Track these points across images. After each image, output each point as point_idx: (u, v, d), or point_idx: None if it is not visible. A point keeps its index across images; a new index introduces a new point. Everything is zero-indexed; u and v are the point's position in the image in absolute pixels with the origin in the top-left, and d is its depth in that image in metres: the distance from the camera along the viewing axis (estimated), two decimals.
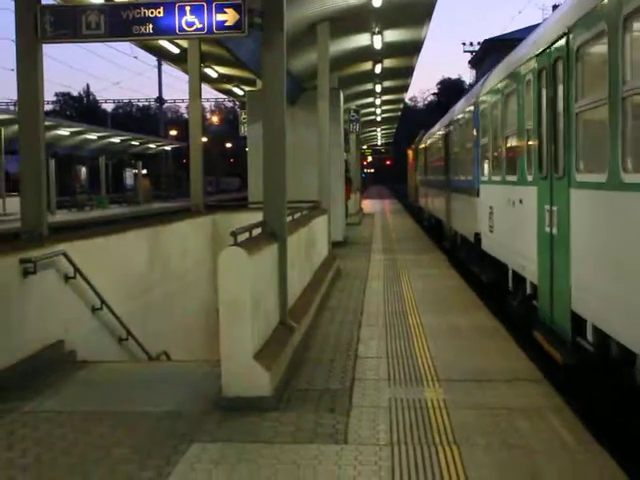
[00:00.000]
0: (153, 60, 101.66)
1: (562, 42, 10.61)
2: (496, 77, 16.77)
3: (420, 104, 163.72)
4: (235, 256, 8.40)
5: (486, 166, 18.30)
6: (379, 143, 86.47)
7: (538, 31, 12.98)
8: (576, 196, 9.95)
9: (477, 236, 19.14)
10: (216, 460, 6.82)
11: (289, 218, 12.09)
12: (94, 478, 6.43)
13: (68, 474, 6.52)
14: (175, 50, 22.66)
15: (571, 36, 10.16)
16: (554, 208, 10.98)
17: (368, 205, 65.11)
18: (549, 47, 11.36)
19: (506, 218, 15.23)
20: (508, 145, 15.30)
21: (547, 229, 11.35)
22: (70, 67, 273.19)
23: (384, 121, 59.80)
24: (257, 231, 10.00)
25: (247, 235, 9.50)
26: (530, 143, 12.83)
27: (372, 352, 11.10)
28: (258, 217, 10.71)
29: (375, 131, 71.90)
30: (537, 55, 12.09)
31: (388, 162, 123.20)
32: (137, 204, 61.47)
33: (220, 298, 8.44)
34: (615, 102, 8.35)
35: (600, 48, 8.98)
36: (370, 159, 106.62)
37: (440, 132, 32.64)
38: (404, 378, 9.58)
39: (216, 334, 9.03)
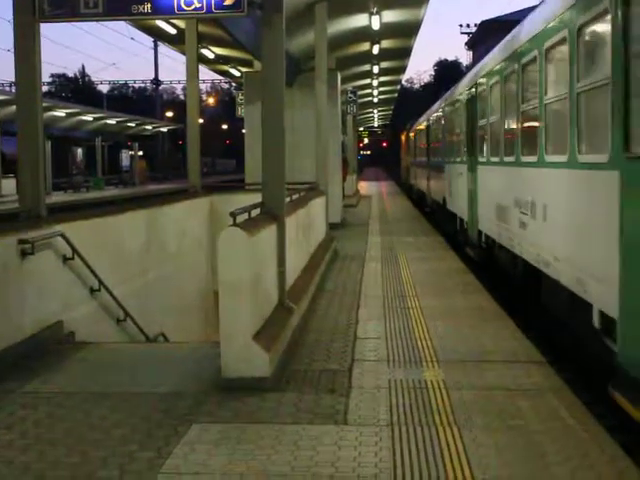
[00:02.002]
0: (149, 41, 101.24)
1: (469, 91, 20.72)
2: (453, 94, 25.74)
3: (417, 85, 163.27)
4: (235, 237, 8.38)
5: (446, 152, 26.99)
6: (376, 125, 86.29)
7: (471, 72, 22.11)
8: (479, 168, 18.78)
9: (444, 200, 27.39)
10: (216, 441, 6.82)
11: (287, 199, 12.07)
12: (94, 459, 6.42)
13: (68, 455, 6.51)
14: (172, 31, 22.55)
15: (472, 90, 20.04)
16: (472, 176, 19.72)
17: (365, 187, 65.07)
18: (470, 88, 20.49)
19: (456, 185, 23.52)
20: (457, 139, 23.60)
21: (470, 188, 19.92)
22: (66, 48, 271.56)
23: (381, 102, 59.70)
24: (256, 212, 9.99)
25: (246, 216, 9.49)
26: (464, 139, 21.45)
27: (371, 333, 11.09)
28: (255, 198, 10.70)
29: (372, 113, 71.73)
30: (467, 89, 21.05)
31: (384, 144, 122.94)
32: (133, 185, 61.41)
33: (220, 279, 8.43)
34: (486, 125, 17.48)
35: (486, 95, 17.75)
36: (366, 141, 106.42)
37: (424, 123, 40.62)
38: (403, 359, 9.59)
39: (213, 315, 9.03)
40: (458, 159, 22.81)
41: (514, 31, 14.71)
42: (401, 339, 10.66)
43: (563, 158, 10.29)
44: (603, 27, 8.79)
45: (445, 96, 29.78)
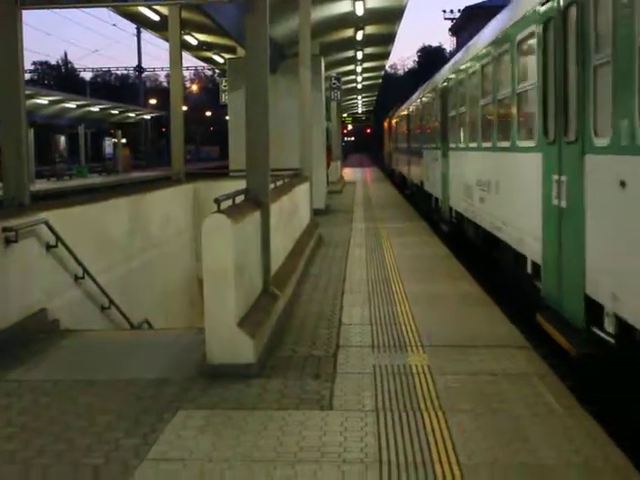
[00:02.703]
0: (132, 28, 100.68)
1: (442, 85, 23.50)
2: (429, 86, 29.06)
3: (400, 72, 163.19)
4: (219, 223, 8.37)
5: (424, 139, 29.88)
6: (360, 111, 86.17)
7: (437, 74, 26.35)
8: (450, 154, 21.39)
9: (422, 182, 30.64)
10: (202, 427, 6.82)
11: (271, 186, 12.04)
12: (80, 446, 6.42)
13: (54, 443, 6.51)
14: (155, 17, 22.48)
15: (444, 84, 22.79)
16: (445, 160, 22.43)
17: (349, 174, 65.08)
18: (442, 82, 23.36)
19: (432, 169, 26.47)
20: (433, 127, 26.51)
21: (443, 170, 22.78)
22: (48, 35, 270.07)
23: (365, 89, 59.62)
24: (240, 198, 9.96)
25: (230, 203, 9.46)
26: (438, 128, 24.14)
27: (356, 319, 11.11)
28: (239, 185, 10.67)
29: (356, 99, 71.62)
30: (440, 83, 23.91)
31: (369, 130, 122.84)
32: (116, 173, 61.21)
33: (204, 266, 8.41)
34: (456, 116, 20.16)
35: (455, 89, 20.56)
36: (351, 127, 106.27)
37: (404, 112, 44.30)
38: (388, 345, 9.60)
39: (197, 302, 9.02)
40: (433, 145, 25.83)
41: (475, 38, 18.04)
42: (386, 325, 10.68)
43: (508, 144, 13.07)
44: (532, 44, 11.27)
45: (423, 87, 32.97)
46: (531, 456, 6.08)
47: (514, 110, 12.67)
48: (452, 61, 22.41)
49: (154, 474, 5.91)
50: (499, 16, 14.60)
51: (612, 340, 8.03)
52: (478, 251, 17.49)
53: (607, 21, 8.12)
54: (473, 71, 17.09)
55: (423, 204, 30.25)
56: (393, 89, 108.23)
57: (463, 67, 18.80)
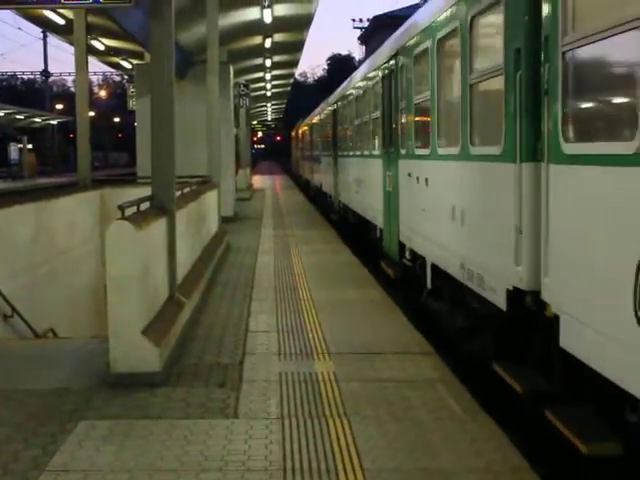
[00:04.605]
0: (39, 31, 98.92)
1: (333, 105, 28.90)
2: (326, 104, 33.38)
3: (310, 79, 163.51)
4: (123, 230, 8.27)
5: (322, 148, 35.23)
6: (269, 118, 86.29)
7: (332, 95, 31.15)
8: (339, 160, 26.63)
9: (321, 184, 36.27)
10: (104, 437, 6.72)
11: (178, 193, 11.95)
12: None
13: None
14: (60, 21, 22.16)
15: (334, 105, 28.36)
16: (336, 167, 27.48)
17: (258, 181, 65.02)
18: (335, 102, 28.09)
19: (328, 172, 31.41)
20: (327, 138, 31.66)
21: (334, 173, 28.08)
22: None
23: (274, 96, 59.77)
24: (146, 205, 9.87)
25: (135, 209, 9.36)
26: (331, 139, 29.32)
27: (262, 326, 11.09)
28: (146, 192, 10.57)
29: (265, 106, 71.76)
30: (333, 103, 28.93)
31: (278, 138, 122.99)
32: (22, 179, 60.14)
33: (108, 273, 8.31)
34: (342, 130, 26.09)
35: (343, 109, 25.54)
36: (260, 134, 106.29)
37: (308, 123, 48.85)
38: (295, 352, 9.61)
39: (103, 310, 8.90)
40: (328, 153, 31.23)
41: (353, 74, 24.18)
42: (293, 332, 10.68)
43: (368, 152, 18.65)
44: (379, 88, 16.60)
45: (321, 105, 38.15)
46: (433, 461, 6.14)
47: (371, 129, 18.33)
48: (340, 88, 28.10)
49: None
50: (366, 63, 20.21)
51: (409, 263, 13.31)
52: (356, 230, 22.54)
53: (403, 85, 13.69)
54: (350, 100, 23.03)
55: (322, 202, 35.96)
56: (303, 97, 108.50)
57: (348, 92, 24.02)
